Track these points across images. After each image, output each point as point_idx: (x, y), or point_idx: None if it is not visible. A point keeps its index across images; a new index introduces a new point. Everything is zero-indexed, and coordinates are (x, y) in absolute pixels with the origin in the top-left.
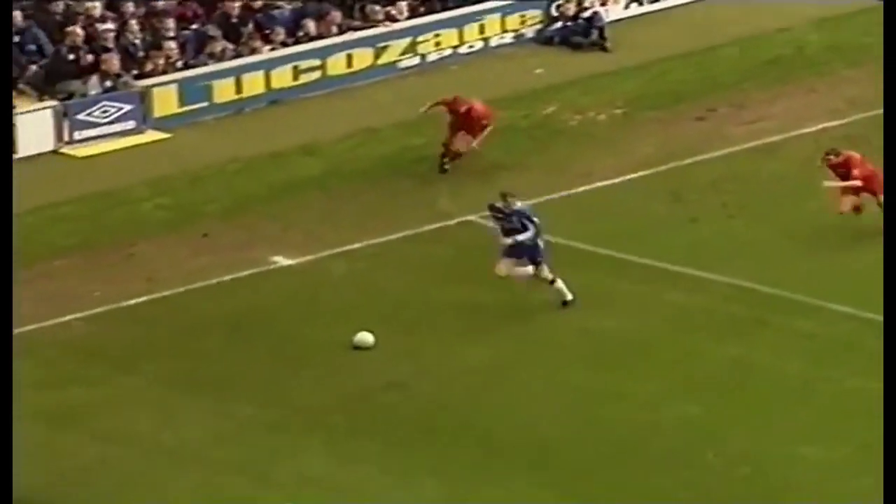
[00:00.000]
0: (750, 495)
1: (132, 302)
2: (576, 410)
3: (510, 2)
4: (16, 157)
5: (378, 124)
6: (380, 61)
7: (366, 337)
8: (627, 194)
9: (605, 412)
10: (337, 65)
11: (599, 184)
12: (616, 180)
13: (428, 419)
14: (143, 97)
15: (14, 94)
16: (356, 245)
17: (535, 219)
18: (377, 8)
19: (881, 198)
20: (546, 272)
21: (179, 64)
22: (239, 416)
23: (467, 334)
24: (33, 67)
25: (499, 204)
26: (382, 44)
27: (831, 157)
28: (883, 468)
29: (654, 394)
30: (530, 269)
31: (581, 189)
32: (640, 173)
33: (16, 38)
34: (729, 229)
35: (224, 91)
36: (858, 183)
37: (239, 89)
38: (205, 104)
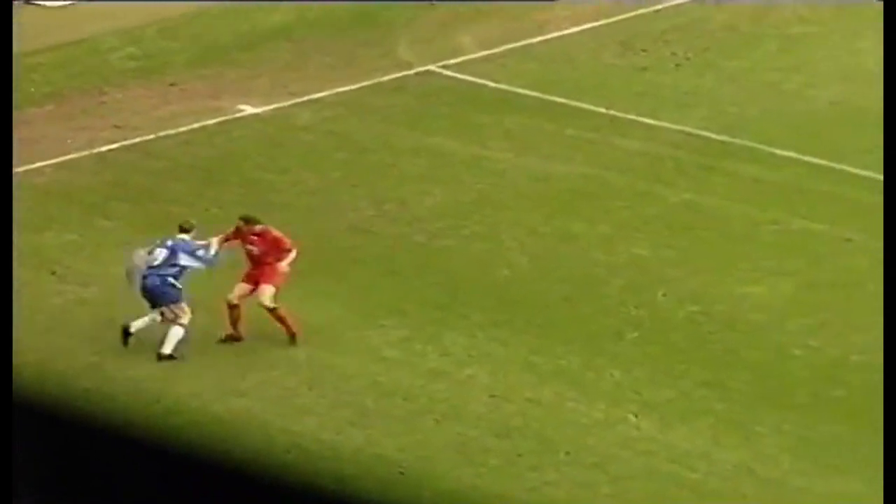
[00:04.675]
0: (697, 333)
1: (103, 149)
2: (531, 251)
3: None
4: None
5: None
6: None
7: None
8: (580, 45)
9: (559, 252)
10: None
11: (554, 34)
12: (569, 31)
13: (389, 261)
14: None
15: None
16: (321, 94)
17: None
18: None
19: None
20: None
21: None
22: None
23: (427, 179)
24: None
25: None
26: None
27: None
28: (883, 468)
29: (605, 236)
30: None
31: (536, 39)
32: (593, 24)
33: None
34: (678, 78)
35: None
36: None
37: None
38: None
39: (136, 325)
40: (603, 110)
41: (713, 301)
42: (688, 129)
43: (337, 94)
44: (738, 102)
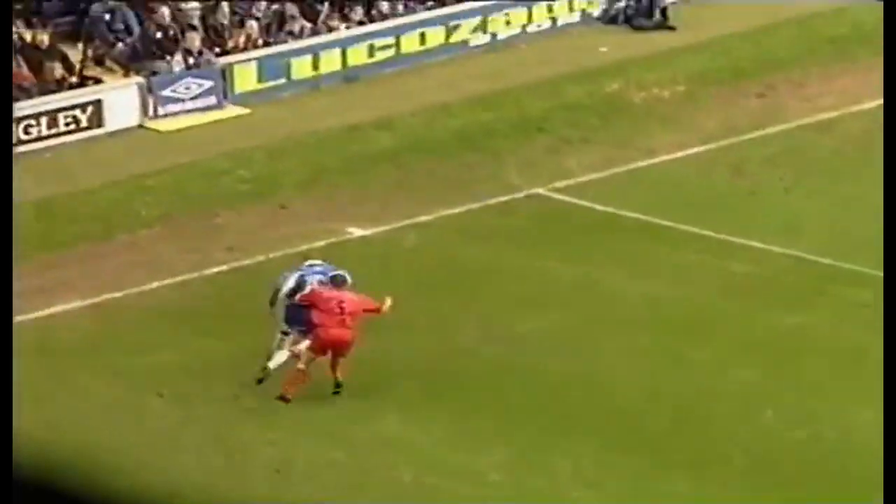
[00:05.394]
0: (807, 458)
1: (214, 270)
2: (640, 375)
3: None
4: (103, 131)
5: (449, 100)
6: (451, 39)
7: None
8: (689, 168)
9: (668, 377)
10: (410, 42)
11: (662, 158)
12: (678, 154)
13: (495, 383)
14: (224, 74)
15: (102, 70)
16: (428, 217)
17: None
18: None
19: None
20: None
21: (260, 42)
22: (319, 379)
23: (535, 303)
24: (120, 45)
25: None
26: (454, 22)
27: None
28: (883, 467)
29: (714, 360)
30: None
31: (644, 163)
32: (702, 148)
33: (106, 17)
34: (787, 202)
35: (301, 68)
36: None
37: (316, 66)
38: (283, 81)
39: (274, 363)
40: (712, 234)
41: (824, 426)
42: (797, 252)
43: (444, 216)
44: (846, 227)
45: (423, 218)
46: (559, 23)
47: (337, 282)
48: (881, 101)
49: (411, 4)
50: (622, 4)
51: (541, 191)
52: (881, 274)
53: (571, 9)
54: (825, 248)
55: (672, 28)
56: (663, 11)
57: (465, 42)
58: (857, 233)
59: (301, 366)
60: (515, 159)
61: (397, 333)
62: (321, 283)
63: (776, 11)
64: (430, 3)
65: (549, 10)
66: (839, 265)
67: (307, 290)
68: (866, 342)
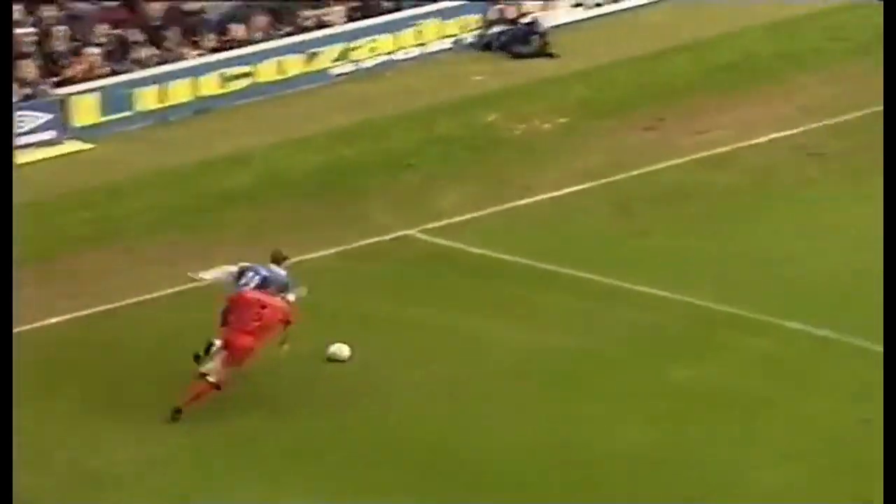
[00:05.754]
0: None
1: (53, 320)
2: (523, 431)
3: (448, 5)
4: None
5: (310, 133)
6: (312, 68)
7: (341, 350)
8: (572, 208)
9: (553, 433)
10: (267, 71)
11: (543, 196)
12: (561, 192)
13: (363, 445)
14: (63, 106)
15: None
16: (290, 260)
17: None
18: (308, 13)
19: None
20: None
21: (102, 71)
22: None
23: (402, 355)
24: None
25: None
26: (314, 50)
27: None
28: (883, 467)
29: (603, 415)
30: None
31: (524, 202)
32: (586, 185)
33: None
34: (678, 244)
35: (147, 99)
36: None
37: (164, 97)
38: (127, 113)
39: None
40: (598, 278)
41: (721, 488)
42: (690, 298)
43: (306, 261)
44: (743, 271)
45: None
46: (429, 50)
47: (268, 284)
48: (778, 133)
49: (272, 31)
50: (497, 30)
51: (411, 232)
52: (781, 321)
53: (442, 35)
54: (721, 294)
55: (552, 55)
56: (542, 37)
57: (326, 71)
58: (754, 277)
59: (212, 378)
60: (383, 198)
61: (256, 386)
62: (260, 284)
63: (664, 38)
64: (288, 29)
65: (418, 36)
66: (736, 312)
67: (240, 284)
68: (766, 394)
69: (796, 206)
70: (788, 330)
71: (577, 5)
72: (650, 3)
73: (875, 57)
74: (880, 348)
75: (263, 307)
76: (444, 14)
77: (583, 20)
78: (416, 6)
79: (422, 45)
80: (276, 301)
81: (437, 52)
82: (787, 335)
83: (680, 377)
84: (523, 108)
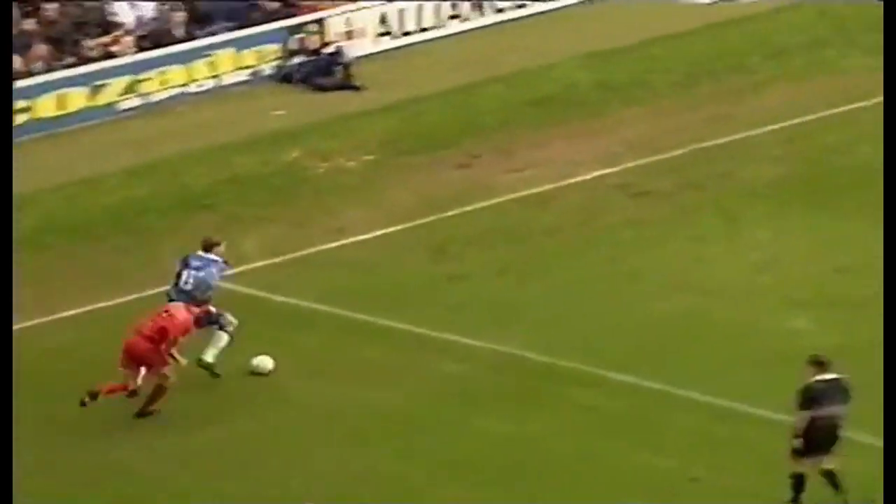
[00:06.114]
0: None
1: None
2: (325, 498)
3: (244, 33)
4: None
5: (96, 173)
6: (96, 102)
7: (264, 362)
8: (382, 251)
9: (367, 496)
10: (46, 106)
11: (350, 239)
12: (369, 235)
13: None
14: None
15: None
16: (75, 311)
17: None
18: (92, 42)
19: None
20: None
21: None
22: None
23: (196, 413)
24: None
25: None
26: (99, 82)
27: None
28: (883, 467)
29: (414, 476)
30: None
31: (329, 245)
32: (397, 227)
33: None
34: (498, 290)
35: None
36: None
37: None
38: None
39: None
40: (411, 328)
41: None
42: (509, 349)
43: (93, 311)
44: (565, 318)
45: (70, 312)
46: (224, 82)
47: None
48: (600, 171)
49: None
50: (298, 60)
51: None
52: (606, 372)
53: (238, 66)
54: (543, 344)
55: (357, 87)
56: (346, 68)
57: (112, 105)
58: (578, 325)
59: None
60: (176, 242)
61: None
62: (194, 287)
63: (478, 69)
64: (70, 60)
65: (212, 67)
66: (558, 362)
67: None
68: (593, 449)
69: (621, 248)
70: (614, 381)
71: (385, 34)
72: (462, 32)
73: (697, 90)
74: (712, 399)
75: (166, 310)
76: (241, 43)
77: (390, 50)
78: (209, 35)
79: (216, 77)
80: (182, 313)
81: (233, 85)
82: (613, 387)
83: (504, 432)
84: (327, 145)
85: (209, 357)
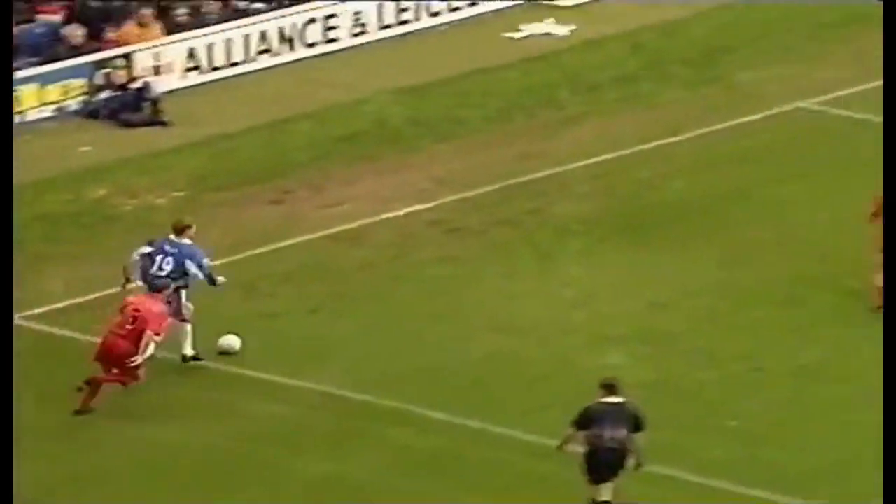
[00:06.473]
0: None
1: None
2: None
3: (48, 68)
4: None
5: None
6: None
7: (232, 342)
8: (195, 290)
9: None
10: None
11: None
12: None
13: None
14: None
15: None
16: (193, 229)
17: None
18: None
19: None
20: None
21: None
22: None
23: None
24: None
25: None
26: None
27: None
28: (883, 468)
29: None
30: None
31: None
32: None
33: None
34: (311, 326)
35: None
36: None
37: None
38: None
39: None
40: (220, 367)
41: None
42: (325, 387)
43: None
44: (380, 355)
45: None
46: (29, 118)
47: (178, 266)
48: (413, 207)
49: None
50: (105, 96)
51: (14, 320)
52: (423, 411)
53: (42, 101)
54: (359, 382)
55: (166, 123)
56: (155, 103)
57: None
58: (393, 362)
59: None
60: None
61: None
62: (172, 270)
63: (288, 105)
64: None
65: (16, 103)
66: (376, 401)
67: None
68: (411, 488)
69: (434, 284)
70: (430, 419)
71: (193, 69)
72: (273, 67)
73: (509, 125)
74: (528, 437)
75: (137, 311)
76: (44, 79)
77: (199, 85)
78: (13, 70)
79: (20, 112)
80: (155, 309)
81: (37, 121)
82: (430, 425)
83: (317, 473)
84: (136, 182)
85: (189, 350)
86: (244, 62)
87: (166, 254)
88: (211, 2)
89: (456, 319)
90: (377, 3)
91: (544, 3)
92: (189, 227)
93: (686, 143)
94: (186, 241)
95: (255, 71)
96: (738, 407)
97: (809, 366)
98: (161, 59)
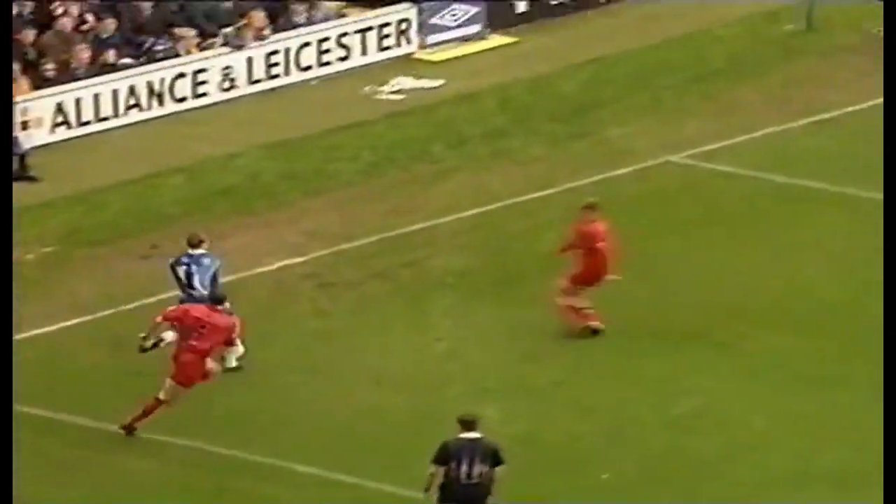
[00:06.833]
0: None
1: None
2: None
3: None
4: None
5: None
6: None
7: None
8: (61, 344)
9: None
10: None
11: (29, 333)
12: (50, 328)
13: None
14: None
15: None
16: (207, 242)
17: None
18: None
19: None
20: None
21: None
22: None
23: None
24: None
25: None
26: None
27: None
28: (883, 469)
29: None
30: None
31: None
32: (78, 320)
33: None
34: None
35: None
36: None
37: None
38: None
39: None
40: (92, 423)
41: None
42: (196, 443)
43: None
44: (252, 412)
45: None
46: None
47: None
48: (286, 261)
49: None
50: None
51: None
52: (291, 466)
53: None
54: (231, 438)
55: (33, 178)
56: (22, 158)
57: None
58: (265, 418)
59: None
60: None
61: None
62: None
63: (158, 159)
64: None
65: None
66: (247, 457)
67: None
68: None
69: (307, 338)
70: (301, 474)
71: (62, 124)
72: (143, 122)
73: (381, 179)
74: (409, 492)
75: (203, 326)
76: None
77: (69, 140)
78: None
79: None
80: (219, 319)
81: None
82: (301, 480)
83: None
84: None
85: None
86: (113, 117)
87: (199, 269)
88: (79, 56)
89: (329, 372)
90: (247, 57)
91: (414, 57)
92: (203, 241)
93: (555, 196)
94: (203, 251)
95: (125, 126)
96: (610, 459)
97: (683, 417)
98: (29, 115)
